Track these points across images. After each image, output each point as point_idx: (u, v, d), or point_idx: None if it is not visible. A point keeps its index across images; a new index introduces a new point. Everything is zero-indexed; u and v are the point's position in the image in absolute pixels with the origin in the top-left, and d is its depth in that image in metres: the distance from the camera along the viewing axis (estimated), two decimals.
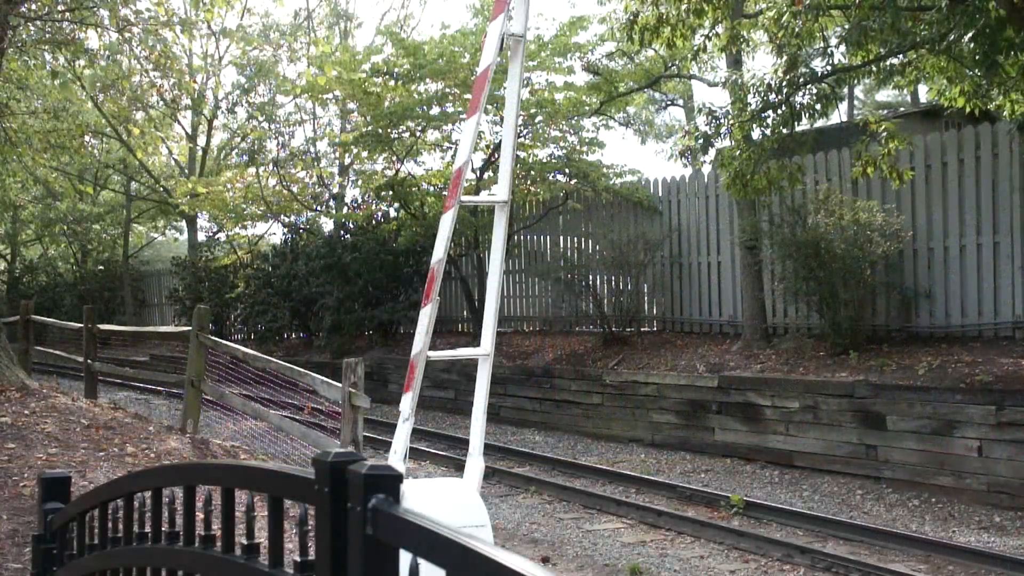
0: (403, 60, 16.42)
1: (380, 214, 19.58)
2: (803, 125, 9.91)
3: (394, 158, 18.76)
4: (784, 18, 9.00)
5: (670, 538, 8.23)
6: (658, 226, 14.54)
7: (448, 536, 1.38)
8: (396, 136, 17.76)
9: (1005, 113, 10.35)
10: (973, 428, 9.00)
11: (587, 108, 16.01)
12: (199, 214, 25.47)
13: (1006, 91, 9.83)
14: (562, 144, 17.04)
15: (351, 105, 19.32)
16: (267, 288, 20.62)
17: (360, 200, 20.80)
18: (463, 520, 4.34)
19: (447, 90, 16.41)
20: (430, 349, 5.01)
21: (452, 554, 1.37)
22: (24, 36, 10.86)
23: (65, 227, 28.23)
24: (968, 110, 10.33)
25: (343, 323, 17.83)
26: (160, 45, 10.80)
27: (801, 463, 10.47)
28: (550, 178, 16.62)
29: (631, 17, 10.39)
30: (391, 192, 17.75)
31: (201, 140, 27.25)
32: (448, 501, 4.55)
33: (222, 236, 25.43)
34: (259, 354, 9.27)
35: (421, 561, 1.44)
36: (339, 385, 7.47)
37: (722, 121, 9.82)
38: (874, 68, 9.74)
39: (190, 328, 9.86)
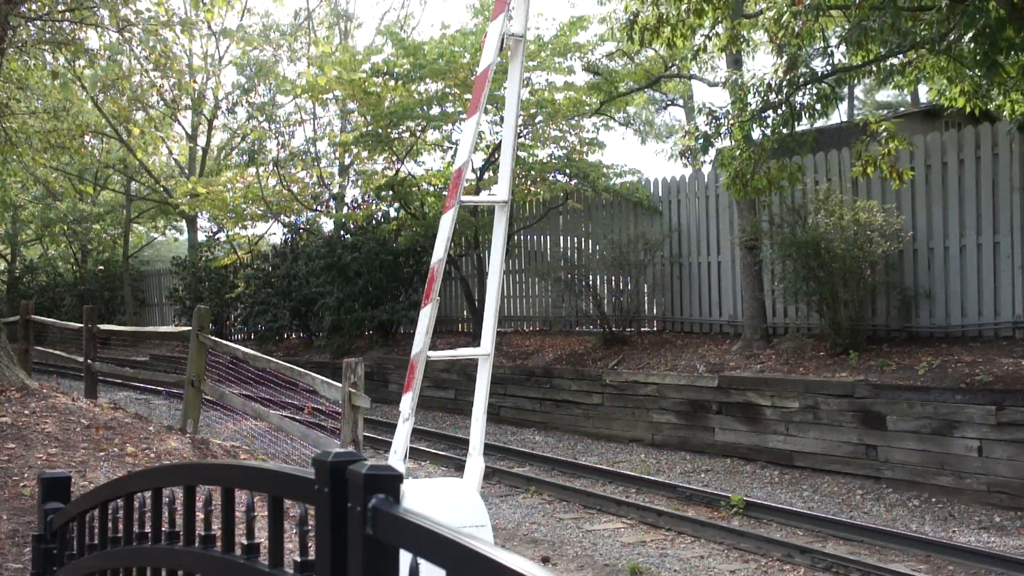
0: (403, 60, 16.42)
1: (380, 214, 19.58)
2: (803, 125, 9.91)
3: (394, 158, 18.76)
4: (784, 18, 9.00)
5: (670, 538, 8.23)
6: (658, 226, 14.55)
7: (448, 536, 1.38)
8: (396, 136, 17.77)
9: (1005, 113, 10.36)
10: (973, 428, 9.00)
11: (587, 108, 16.01)
12: (199, 214, 25.48)
13: (1006, 91, 9.84)
14: (562, 144, 17.05)
15: (351, 105, 19.33)
16: (267, 288, 20.63)
17: (360, 200, 20.81)
18: (463, 520, 4.34)
19: (447, 90, 16.41)
20: (430, 349, 5.01)
21: (452, 554, 1.37)
22: (24, 36, 10.86)
23: (65, 227, 28.24)
24: (968, 110, 10.34)
25: (343, 323, 17.83)
26: (160, 45, 10.79)
27: (801, 463, 10.47)
28: (550, 178, 16.63)
29: (631, 17, 10.40)
30: (391, 192, 17.75)
31: (201, 140, 27.25)
32: (448, 501, 4.55)
33: (222, 236, 25.44)
34: (259, 354, 9.27)
35: (421, 561, 1.44)
36: (339, 385, 7.47)
37: (722, 121, 9.81)
38: (874, 68, 9.75)
39: (190, 328, 9.86)
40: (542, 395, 13.82)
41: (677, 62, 15.53)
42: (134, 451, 7.11)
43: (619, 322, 14.22)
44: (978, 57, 8.27)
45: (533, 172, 16.57)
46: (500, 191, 5.27)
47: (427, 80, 16.45)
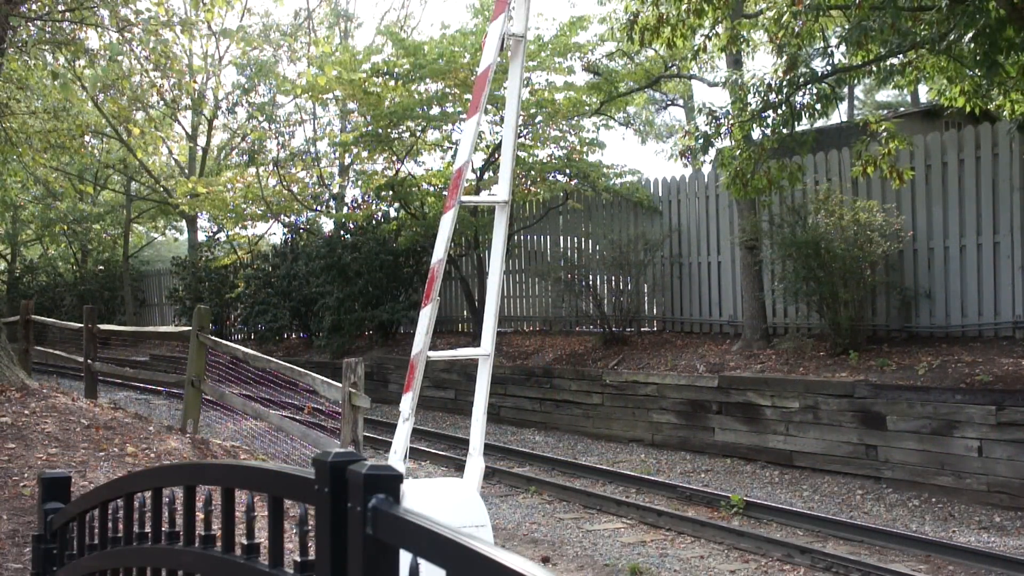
0: (403, 60, 16.42)
1: (380, 214, 19.59)
2: (803, 125, 9.91)
3: (394, 158, 18.77)
4: (784, 18, 9.01)
5: (670, 538, 8.23)
6: (658, 226, 14.55)
7: (448, 536, 1.38)
8: (396, 136, 17.77)
9: (1005, 113, 10.36)
10: (973, 428, 8.99)
11: (587, 108, 16.01)
12: (199, 214, 25.48)
13: (1006, 91, 9.84)
14: (562, 144, 17.04)
15: (351, 105, 19.33)
16: (267, 288, 20.63)
17: (360, 200, 20.81)
18: (463, 520, 4.34)
19: (447, 90, 16.41)
20: (430, 349, 5.01)
21: (452, 554, 1.37)
22: (24, 36, 10.85)
23: (65, 227, 28.24)
24: (968, 110, 10.34)
25: (343, 323, 17.83)
26: (160, 45, 10.79)
27: (801, 463, 10.47)
28: (550, 178, 16.63)
29: (631, 17, 10.40)
30: (391, 192, 17.75)
31: (201, 140, 27.25)
32: (448, 501, 4.55)
33: (222, 236, 25.44)
34: (259, 354, 9.27)
35: (421, 561, 1.44)
36: (339, 385, 7.47)
37: (722, 121, 9.81)
38: (874, 68, 9.75)
39: (190, 328, 9.86)
40: (542, 395, 13.82)
41: (677, 62, 15.52)
42: (134, 451, 7.11)
43: (619, 322, 14.22)
44: (978, 57, 8.27)
45: (533, 172, 16.57)
46: (500, 191, 5.27)
47: (427, 80, 16.45)
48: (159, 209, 28.15)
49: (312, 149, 22.49)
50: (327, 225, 21.79)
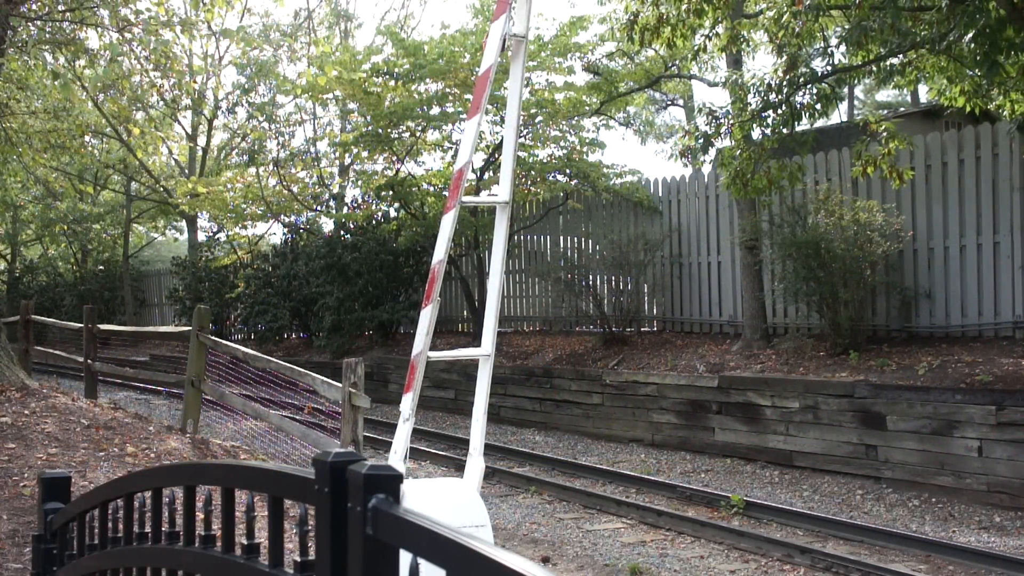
0: (403, 60, 16.43)
1: (380, 214, 19.59)
2: (803, 125, 9.91)
3: (394, 158, 18.77)
4: (784, 18, 9.00)
5: (670, 538, 8.23)
6: (658, 226, 14.54)
7: (448, 536, 1.38)
8: (396, 136, 17.77)
9: (1005, 113, 10.36)
10: (973, 428, 8.99)
11: (587, 108, 16.01)
12: (199, 214, 25.47)
13: (1006, 91, 9.84)
14: (562, 144, 17.04)
15: (351, 105, 19.32)
16: (267, 288, 20.63)
17: (360, 200, 20.81)
18: (463, 520, 4.34)
19: (447, 90, 16.41)
20: (430, 349, 5.01)
21: (452, 554, 1.36)
22: (24, 36, 10.85)
23: (65, 227, 28.23)
24: (968, 110, 10.34)
25: (343, 323, 17.83)
26: (160, 45, 10.78)
27: (801, 463, 10.47)
28: (550, 178, 16.63)
29: (631, 17, 10.39)
30: (391, 192, 17.76)
31: (201, 140, 27.25)
32: (448, 501, 4.55)
33: (222, 236, 25.43)
34: (259, 354, 9.27)
35: (421, 561, 1.44)
36: (339, 385, 7.47)
37: (722, 121, 9.81)
38: (874, 68, 9.75)
39: (190, 328, 9.86)
40: (542, 395, 13.82)
41: (677, 62, 15.53)
42: (134, 451, 7.11)
43: (619, 322, 14.22)
44: (978, 57, 8.27)
45: (533, 172, 16.58)
46: (501, 192, 5.27)
47: (427, 80, 16.45)
48: (159, 209, 28.15)
49: (312, 149, 22.49)
50: (327, 225, 21.80)
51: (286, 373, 8.62)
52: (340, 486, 1.65)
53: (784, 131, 9.63)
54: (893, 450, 9.63)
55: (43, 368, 17.91)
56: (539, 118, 16.27)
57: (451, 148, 18.11)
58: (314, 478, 1.71)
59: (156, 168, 28.03)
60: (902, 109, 18.60)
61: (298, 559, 1.87)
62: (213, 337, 9.94)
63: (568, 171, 16.20)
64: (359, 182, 20.94)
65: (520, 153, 16.26)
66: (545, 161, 16.62)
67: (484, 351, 5.20)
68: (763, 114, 9.54)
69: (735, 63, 12.12)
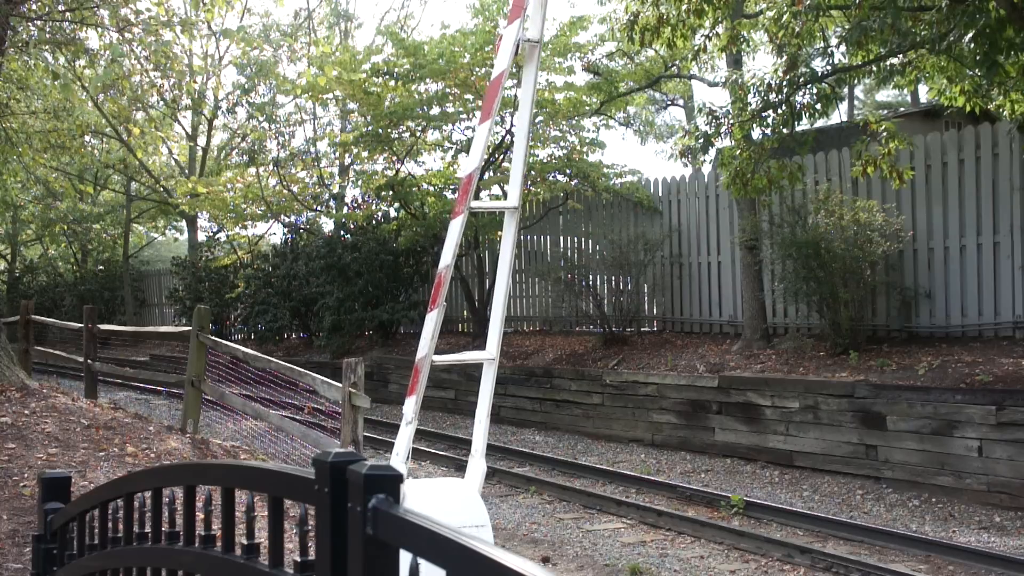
0: (403, 60, 16.42)
1: (380, 214, 19.59)
2: (803, 125, 9.91)
3: (394, 158, 18.76)
4: (784, 18, 9.00)
5: (670, 538, 8.23)
6: (658, 226, 14.55)
7: (448, 536, 1.38)
8: (396, 136, 17.77)
9: (1005, 113, 10.36)
10: (973, 428, 8.99)
11: (587, 108, 16.00)
12: (199, 214, 25.45)
13: (1006, 91, 9.84)
14: (562, 144, 17.04)
15: (351, 105, 19.31)
16: (267, 288, 20.62)
17: (360, 200, 20.80)
18: (463, 520, 4.34)
19: (447, 90, 16.40)
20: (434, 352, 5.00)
21: (452, 554, 1.37)
22: (24, 36, 10.85)
23: (65, 227, 28.23)
24: (968, 110, 10.34)
25: (343, 323, 17.83)
26: (160, 45, 10.79)
27: (801, 463, 10.47)
28: (550, 178, 16.62)
29: (631, 17, 10.39)
30: (391, 192, 17.75)
31: (201, 140, 27.24)
32: (448, 501, 4.55)
33: (222, 236, 25.43)
34: (259, 354, 9.27)
35: (421, 561, 1.44)
36: (339, 385, 7.47)
37: (722, 121, 9.81)
38: (874, 68, 9.75)
39: (190, 328, 9.86)
40: (542, 395, 13.82)
41: (677, 62, 15.52)
42: (134, 451, 7.11)
43: (619, 322, 14.22)
44: (978, 57, 8.27)
45: (533, 172, 16.57)
46: (510, 197, 5.24)
47: (427, 80, 16.45)
48: (159, 209, 28.14)
49: (312, 149, 22.47)
50: (327, 225, 21.78)
51: (286, 373, 8.62)
52: (340, 486, 1.65)
53: (784, 131, 9.63)
54: (893, 450, 9.63)
55: (43, 368, 17.90)
56: (539, 118, 16.26)
57: (451, 148, 18.11)
58: (314, 478, 1.71)
59: (156, 168, 28.02)
60: (902, 109, 18.60)
61: (298, 559, 1.87)
62: (213, 337, 9.95)
63: (568, 171, 16.20)
64: (359, 182, 20.92)
65: None
66: (545, 161, 16.62)
67: (489, 355, 5.19)
68: (763, 114, 9.54)
69: (735, 63, 12.12)
